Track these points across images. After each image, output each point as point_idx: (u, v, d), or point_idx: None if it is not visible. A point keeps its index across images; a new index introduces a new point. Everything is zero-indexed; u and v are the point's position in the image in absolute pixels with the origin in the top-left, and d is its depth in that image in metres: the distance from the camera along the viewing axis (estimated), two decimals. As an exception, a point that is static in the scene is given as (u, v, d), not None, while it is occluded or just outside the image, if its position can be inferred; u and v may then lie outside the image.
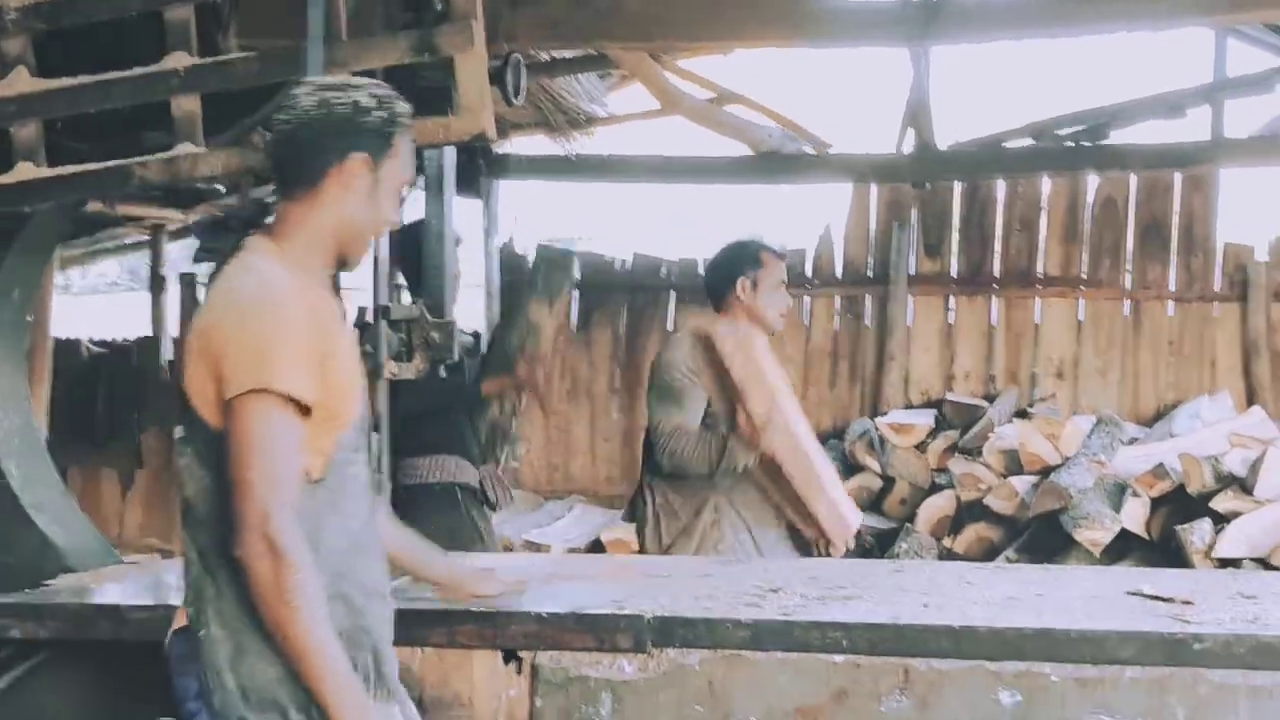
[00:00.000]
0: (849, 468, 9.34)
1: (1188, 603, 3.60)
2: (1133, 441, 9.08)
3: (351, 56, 5.68)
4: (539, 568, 4.67)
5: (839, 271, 11.00)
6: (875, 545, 8.87)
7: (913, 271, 10.65)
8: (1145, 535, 8.35)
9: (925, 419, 9.71)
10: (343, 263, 3.08)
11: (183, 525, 2.88)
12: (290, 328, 2.74)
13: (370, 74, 6.84)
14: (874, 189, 10.92)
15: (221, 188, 9.96)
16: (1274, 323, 10.15)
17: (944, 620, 3.52)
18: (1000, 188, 10.79)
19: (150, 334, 11.88)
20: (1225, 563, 7.54)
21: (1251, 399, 9.87)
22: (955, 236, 10.96)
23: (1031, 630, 3.40)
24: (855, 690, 3.33)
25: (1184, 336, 10.34)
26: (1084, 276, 10.55)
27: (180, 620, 2.91)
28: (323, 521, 2.78)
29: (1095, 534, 8.08)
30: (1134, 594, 3.78)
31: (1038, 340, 10.61)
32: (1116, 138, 10.64)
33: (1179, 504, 8.32)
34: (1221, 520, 7.89)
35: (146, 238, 12.52)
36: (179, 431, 2.87)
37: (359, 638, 2.81)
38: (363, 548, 2.90)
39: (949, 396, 10.28)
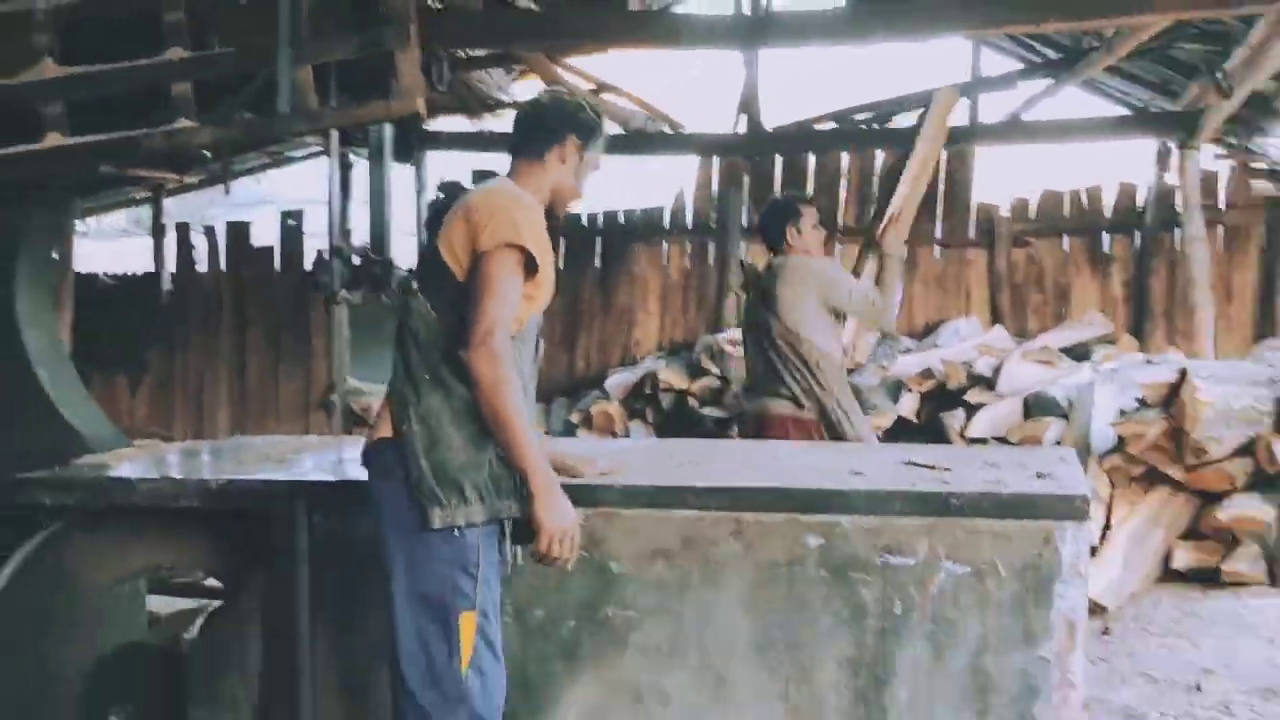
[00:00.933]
0: (697, 372, 9.30)
1: (947, 469, 3.62)
2: (907, 351, 9.28)
3: (312, 53, 5.66)
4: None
5: (689, 224, 11.09)
6: (716, 429, 8.84)
7: (744, 224, 10.56)
8: (916, 421, 8.58)
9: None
10: (549, 214, 3.24)
11: (398, 349, 3.09)
12: (536, 218, 3.05)
13: (326, 65, 6.76)
14: (715, 161, 11.06)
15: (209, 154, 9.80)
16: (1013, 264, 10.46)
17: (766, 483, 3.55)
18: (811, 160, 10.95)
19: (152, 270, 11.63)
20: (974, 441, 7.68)
21: (995, 320, 10.11)
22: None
23: (830, 490, 3.44)
24: (699, 537, 3.32)
25: (946, 274, 10.67)
26: (870, 226, 10.61)
27: (376, 434, 3.10)
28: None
29: (880, 420, 8.25)
30: (908, 463, 3.78)
31: (841, 274, 10.71)
32: (898, 122, 11.19)
33: (941, 398, 8.64)
34: (972, 409, 8.06)
35: (149, 194, 12.29)
36: (414, 284, 3.11)
37: None
38: (529, 393, 3.14)
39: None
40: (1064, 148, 11.10)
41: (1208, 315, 9.61)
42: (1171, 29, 8.61)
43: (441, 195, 3.58)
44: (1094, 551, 6.11)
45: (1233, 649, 5.51)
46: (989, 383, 8.38)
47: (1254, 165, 10.21)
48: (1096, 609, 5.75)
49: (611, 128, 10.89)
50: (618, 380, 9.96)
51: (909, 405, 8.60)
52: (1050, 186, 10.80)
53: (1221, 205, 10.36)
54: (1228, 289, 10.27)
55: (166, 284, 11.41)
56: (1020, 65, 10.97)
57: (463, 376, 2.90)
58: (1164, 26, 8.44)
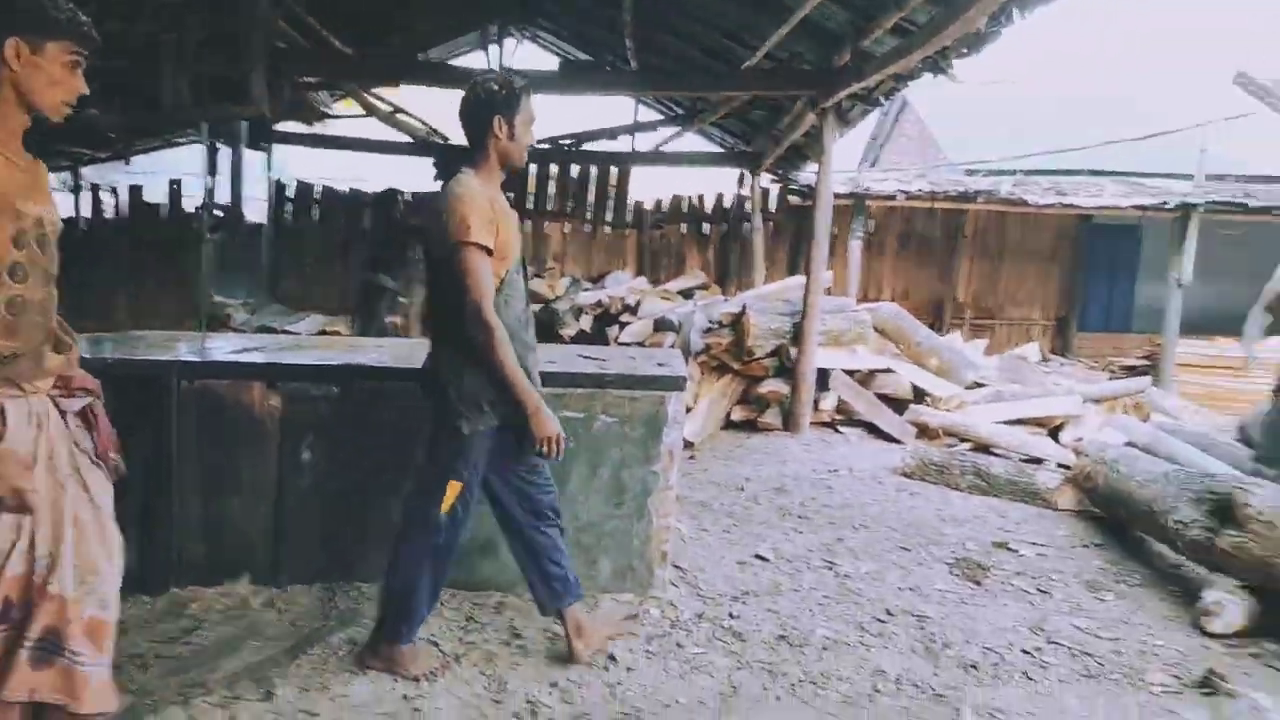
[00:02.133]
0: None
1: (605, 360, 3.69)
2: (587, 289, 9.28)
3: (190, 69, 5.17)
4: (292, 341, 4.32)
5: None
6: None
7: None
8: (589, 332, 8.51)
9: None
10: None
11: (435, 314, 2.81)
12: (481, 209, 2.59)
13: (201, 77, 6.19)
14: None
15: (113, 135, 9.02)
16: (652, 239, 10.77)
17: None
18: (533, 169, 10.69)
19: (73, 217, 10.60)
20: (623, 344, 7.82)
21: (640, 273, 10.47)
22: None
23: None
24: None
25: (613, 244, 10.71)
26: (568, 213, 10.65)
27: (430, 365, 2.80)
28: (504, 309, 2.67)
29: (568, 330, 8.25)
30: (582, 356, 3.83)
31: (549, 242, 10.62)
32: (588, 147, 10.78)
33: (606, 318, 8.61)
34: (624, 326, 8.22)
35: (70, 163, 11.04)
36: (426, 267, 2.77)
37: (527, 362, 2.71)
38: (522, 324, 2.77)
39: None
40: (683, 171, 11.32)
41: (761, 275, 10.17)
42: (750, 102, 8.95)
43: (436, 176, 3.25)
44: (688, 410, 6.34)
45: (761, 465, 5.81)
46: (634, 310, 8.58)
47: (790, 188, 10.79)
48: (688, 444, 5.98)
49: (400, 136, 10.54)
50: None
51: (586, 323, 8.67)
52: (676, 193, 11.11)
53: (772, 210, 10.93)
54: (773, 260, 10.86)
55: (83, 227, 10.28)
56: (661, 116, 11.11)
57: (468, 334, 2.59)
58: (744, 100, 8.78)
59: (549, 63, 10.06)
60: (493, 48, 10.54)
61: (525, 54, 11.16)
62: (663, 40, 8.54)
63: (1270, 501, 3.47)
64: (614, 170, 10.81)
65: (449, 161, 9.74)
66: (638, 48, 8.35)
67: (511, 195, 10.68)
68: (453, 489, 2.71)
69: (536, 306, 9.00)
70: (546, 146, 11.03)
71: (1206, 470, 4.63)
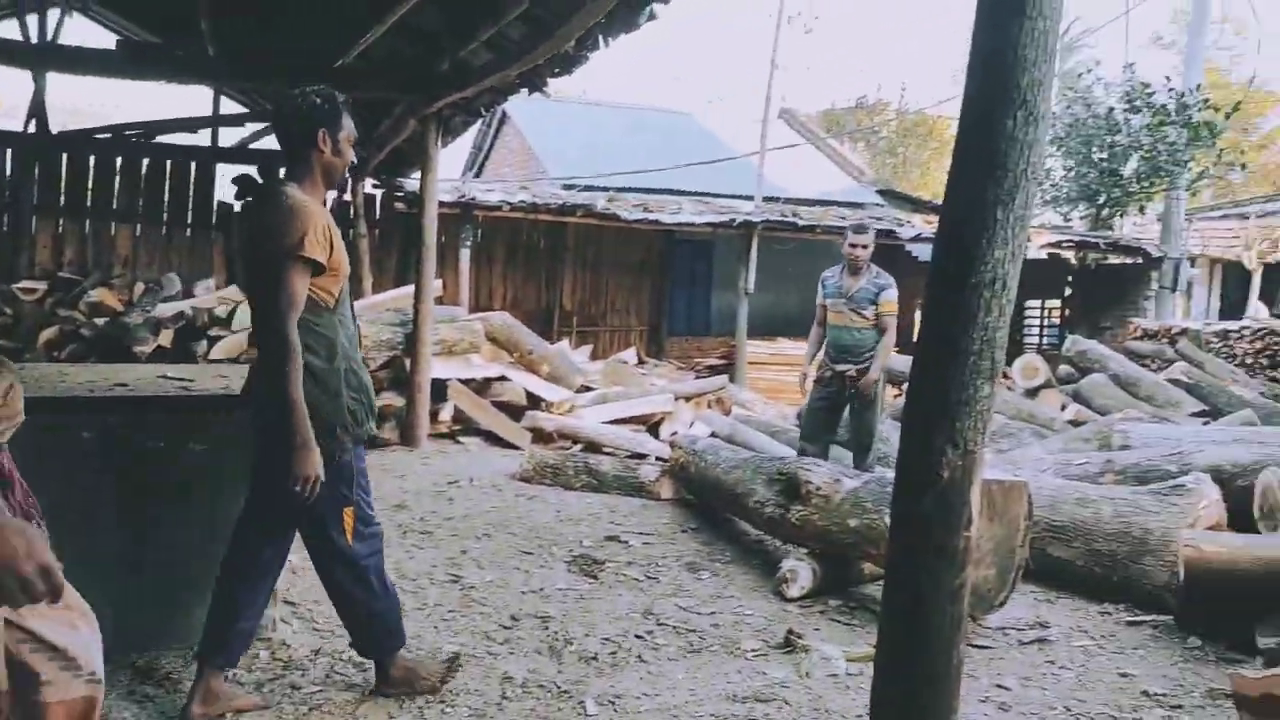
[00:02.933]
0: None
1: (190, 380, 3.29)
2: (167, 299, 8.31)
3: None
4: None
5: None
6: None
7: (34, 202, 8.79)
8: (170, 348, 7.62)
9: (42, 285, 8.12)
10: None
11: None
12: (314, 223, 2.48)
13: None
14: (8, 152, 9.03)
15: None
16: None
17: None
18: (91, 160, 9.35)
19: None
20: (213, 361, 7.11)
21: (231, 281, 9.45)
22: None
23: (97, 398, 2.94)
24: None
25: (197, 249, 9.60)
26: (139, 213, 9.48)
27: None
28: (339, 328, 2.61)
29: (144, 348, 7.32)
30: (163, 376, 3.40)
31: (114, 246, 9.40)
32: (163, 139, 9.77)
33: (190, 333, 7.70)
34: (214, 340, 7.49)
35: None
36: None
37: (360, 385, 2.67)
38: (354, 343, 2.71)
39: (59, 274, 8.75)
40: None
41: (369, 284, 9.86)
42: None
43: (239, 191, 2.72)
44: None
45: (380, 483, 5.58)
46: (226, 322, 7.88)
47: (396, 194, 10.56)
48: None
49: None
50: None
51: (168, 337, 7.79)
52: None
53: (377, 217, 10.64)
54: (381, 269, 10.58)
55: None
56: (246, 110, 10.28)
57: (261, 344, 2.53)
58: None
59: (106, 40, 8.82)
60: (32, 18, 8.99)
61: (76, 28, 9.68)
62: (246, 27, 7.90)
63: (826, 478, 4.09)
64: (193, 167, 9.82)
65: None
66: (216, 33, 7.65)
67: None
68: (349, 516, 2.70)
69: (100, 320, 7.88)
70: (107, 136, 9.68)
71: (776, 454, 5.34)
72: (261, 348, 2.58)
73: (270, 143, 10.14)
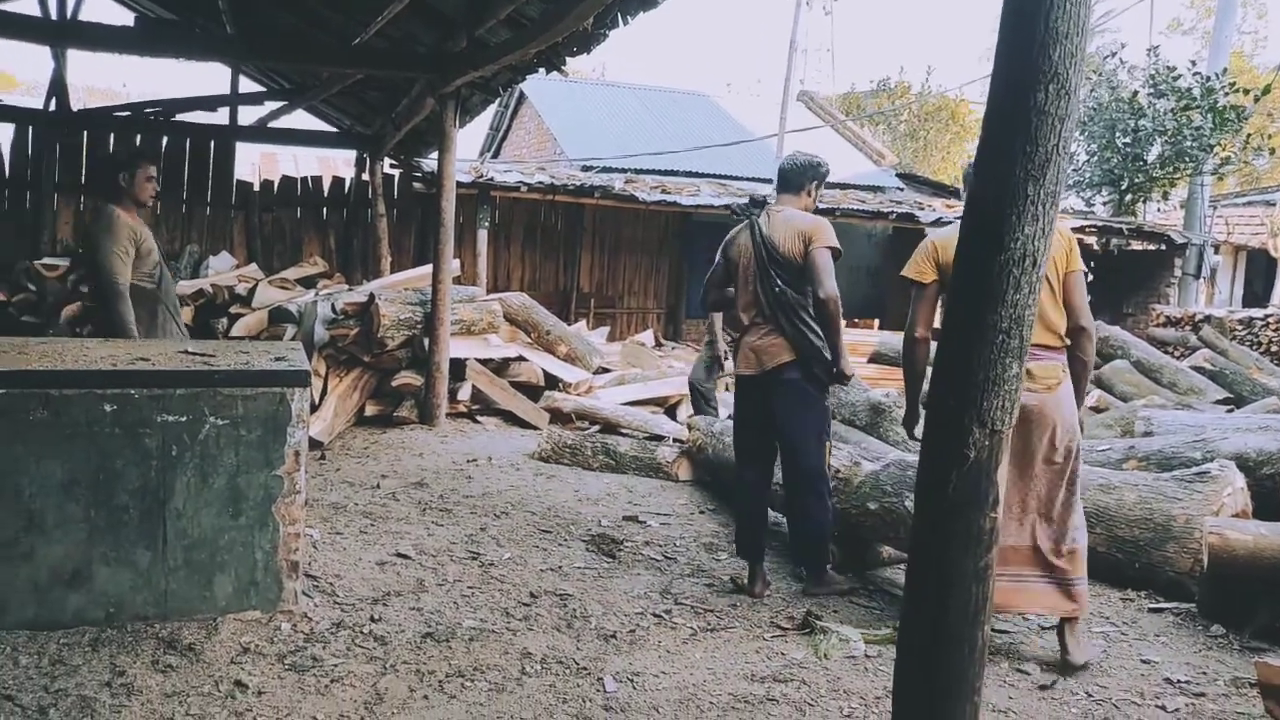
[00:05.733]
0: (15, 289, 7.72)
1: (211, 355, 3.31)
2: (185, 277, 8.36)
3: None
4: None
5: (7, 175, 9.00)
6: (33, 331, 7.39)
7: (56, 180, 8.92)
8: (190, 325, 7.62)
9: (64, 261, 8.12)
10: None
11: None
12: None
13: None
14: (30, 130, 9.13)
15: None
16: (264, 223, 9.90)
17: (70, 368, 2.98)
18: (112, 138, 9.40)
19: None
20: (234, 338, 7.13)
21: (251, 259, 9.59)
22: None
23: (121, 371, 2.97)
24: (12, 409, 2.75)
25: (216, 226, 9.65)
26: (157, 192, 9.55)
27: None
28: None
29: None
30: (183, 352, 3.41)
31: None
32: (181, 118, 9.85)
33: (211, 310, 7.77)
34: (233, 318, 7.48)
35: None
36: None
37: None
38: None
39: (80, 251, 8.81)
40: (298, 150, 10.61)
41: (387, 264, 9.86)
42: (363, 81, 8.59)
43: None
44: (315, 407, 6.02)
45: (398, 461, 5.67)
46: (246, 300, 7.89)
47: (414, 174, 10.53)
48: (316, 444, 5.69)
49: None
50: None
51: (187, 315, 7.80)
52: (288, 174, 10.37)
53: (395, 196, 10.63)
54: (399, 249, 10.58)
55: None
56: (264, 89, 10.26)
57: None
58: (356, 79, 8.40)
59: (124, 17, 8.81)
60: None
61: (94, 5, 9.72)
62: (265, 5, 7.88)
63: (846, 461, 4.07)
64: (212, 145, 9.84)
65: None
66: (235, 11, 7.63)
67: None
68: None
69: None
70: (127, 114, 9.70)
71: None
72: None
73: (289, 121, 10.17)
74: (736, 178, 13.89)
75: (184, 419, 3.04)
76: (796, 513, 3.76)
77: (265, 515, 3.15)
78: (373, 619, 3.24)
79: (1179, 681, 3.08)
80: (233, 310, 7.79)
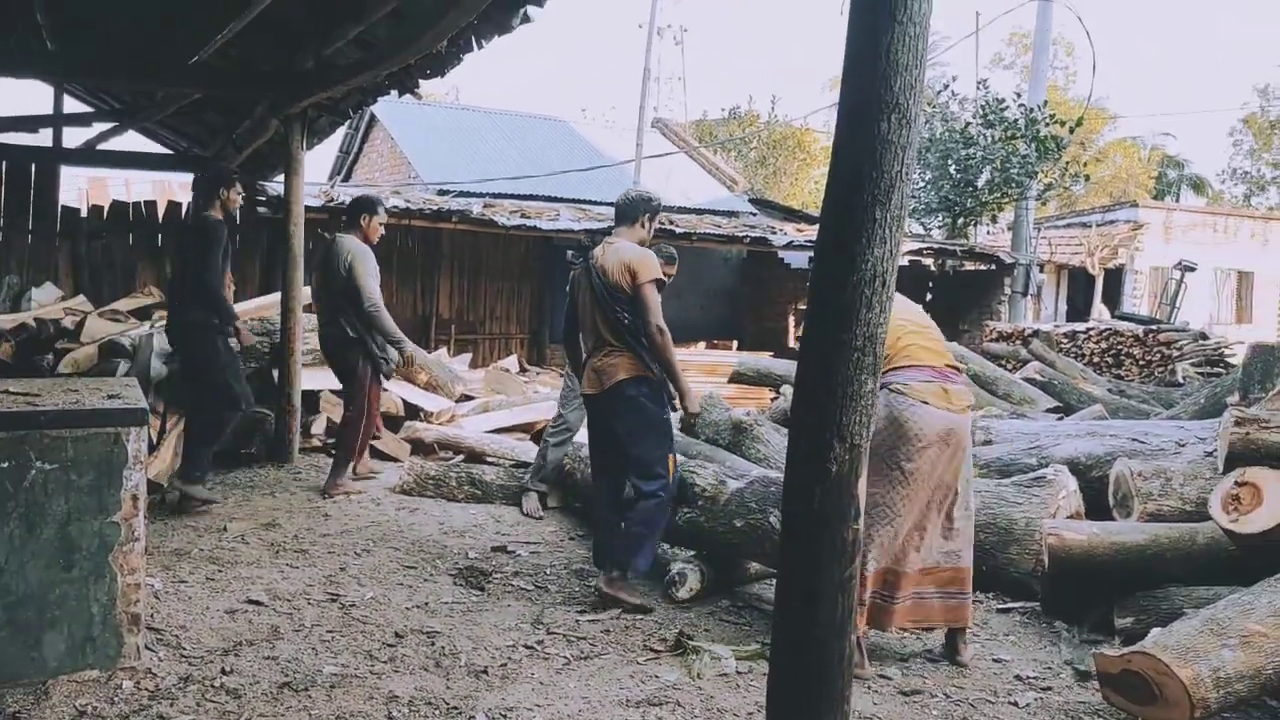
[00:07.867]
0: None
1: (35, 395, 3.05)
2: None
3: None
4: None
5: None
6: None
7: None
8: (9, 362, 6.99)
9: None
10: None
11: None
12: None
13: None
14: None
15: None
16: (92, 251, 9.26)
17: None
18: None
19: None
20: (57, 375, 6.59)
21: (79, 291, 8.78)
22: None
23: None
24: None
25: (39, 256, 8.95)
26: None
27: None
28: None
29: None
30: (3, 391, 3.13)
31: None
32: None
33: (34, 345, 7.15)
34: (60, 353, 6.91)
35: None
36: None
37: None
38: None
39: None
40: (130, 173, 10.00)
41: (231, 291, 9.30)
42: (202, 101, 8.18)
43: None
44: (153, 447, 5.64)
45: (248, 499, 5.35)
46: (74, 334, 7.34)
47: (258, 198, 10.06)
48: (155, 486, 5.32)
49: None
50: None
51: (5, 351, 7.17)
52: (119, 199, 9.72)
53: (238, 221, 10.13)
54: (244, 277, 10.07)
55: None
56: (93, 109, 9.61)
57: None
58: (195, 98, 7.98)
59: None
60: None
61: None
62: (89, 18, 7.39)
63: (712, 480, 4.15)
64: (34, 169, 9.14)
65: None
66: (55, 23, 7.13)
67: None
68: None
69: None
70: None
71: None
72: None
73: (120, 143, 9.56)
74: (596, 202, 14.01)
75: (6, 465, 2.80)
76: (630, 514, 3.94)
77: (101, 565, 2.92)
78: (224, 671, 3.04)
79: (1028, 678, 3.28)
80: (59, 345, 7.23)
